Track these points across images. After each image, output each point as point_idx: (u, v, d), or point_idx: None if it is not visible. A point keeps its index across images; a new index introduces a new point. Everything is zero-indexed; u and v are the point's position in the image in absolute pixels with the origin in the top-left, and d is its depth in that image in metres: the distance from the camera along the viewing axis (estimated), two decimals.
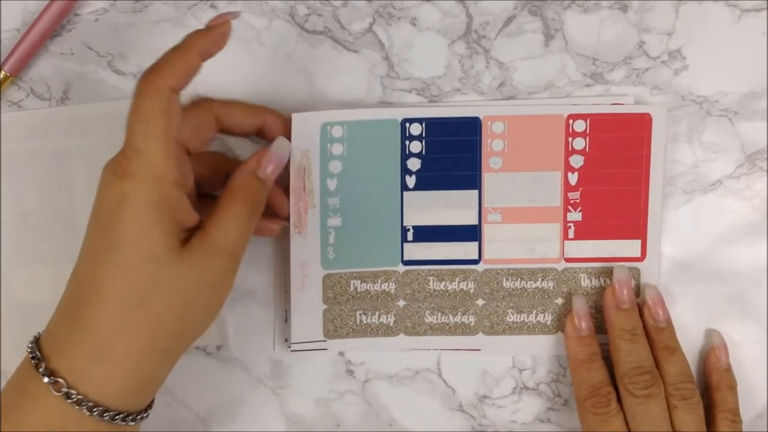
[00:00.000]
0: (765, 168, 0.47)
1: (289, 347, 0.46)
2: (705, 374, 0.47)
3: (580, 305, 0.46)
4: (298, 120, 0.44)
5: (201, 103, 0.41)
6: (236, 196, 0.38)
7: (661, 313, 0.45)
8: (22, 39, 0.45)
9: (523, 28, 0.46)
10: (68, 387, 0.35)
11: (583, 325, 0.45)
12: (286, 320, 0.47)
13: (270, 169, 0.40)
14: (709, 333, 0.47)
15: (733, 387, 0.45)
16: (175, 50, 0.37)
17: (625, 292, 0.45)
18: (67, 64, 0.46)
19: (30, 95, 0.46)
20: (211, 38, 0.38)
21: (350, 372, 0.48)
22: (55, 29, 0.45)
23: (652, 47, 0.46)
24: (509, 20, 0.46)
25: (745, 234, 0.47)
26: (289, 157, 0.43)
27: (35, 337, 0.38)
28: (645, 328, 0.45)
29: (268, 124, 0.43)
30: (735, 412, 0.45)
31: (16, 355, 0.46)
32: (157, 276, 0.35)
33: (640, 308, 0.45)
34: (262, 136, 0.44)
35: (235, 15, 0.38)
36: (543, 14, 0.46)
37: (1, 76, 0.45)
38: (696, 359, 0.48)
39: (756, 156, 0.47)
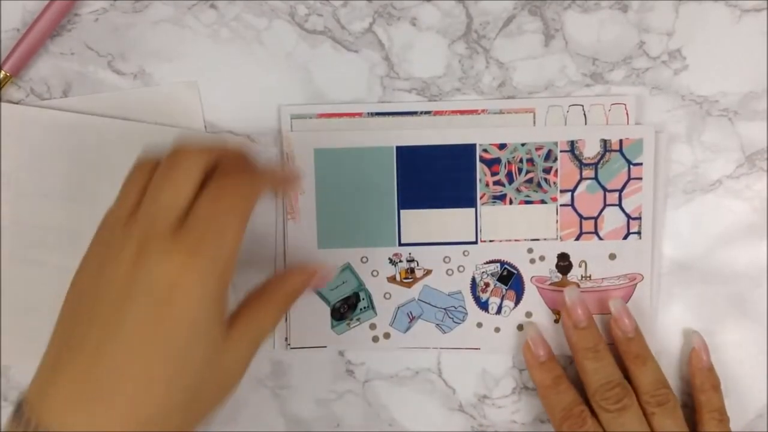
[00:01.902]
0: (765, 168, 0.47)
1: (289, 344, 0.47)
2: (689, 375, 0.47)
3: (534, 333, 0.46)
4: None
5: (252, 193, 0.37)
6: (284, 299, 0.40)
7: (627, 323, 0.45)
8: (22, 39, 0.45)
9: (523, 28, 0.46)
10: None
11: (541, 351, 0.46)
12: (286, 319, 0.47)
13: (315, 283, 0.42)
14: (689, 334, 0.47)
15: (717, 386, 0.46)
16: (283, 174, 0.42)
17: (580, 311, 0.45)
18: (67, 64, 0.46)
19: (30, 95, 0.46)
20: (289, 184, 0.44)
21: (350, 372, 0.48)
22: (55, 29, 0.45)
23: (652, 47, 0.46)
24: (509, 20, 0.46)
25: (745, 234, 0.47)
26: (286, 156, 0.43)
27: (20, 406, 0.34)
28: (614, 339, 0.45)
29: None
30: (722, 411, 0.45)
31: (17, 354, 0.46)
32: (210, 367, 0.35)
33: (607, 321, 0.46)
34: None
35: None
36: (543, 14, 0.46)
37: (1, 75, 0.45)
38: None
39: (756, 156, 0.47)
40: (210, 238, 0.34)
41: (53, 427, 0.33)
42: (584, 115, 0.46)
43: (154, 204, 0.36)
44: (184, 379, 0.34)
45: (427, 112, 0.46)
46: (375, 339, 0.47)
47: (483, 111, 0.46)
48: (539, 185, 0.46)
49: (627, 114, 0.46)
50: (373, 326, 0.47)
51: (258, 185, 0.38)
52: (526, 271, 0.47)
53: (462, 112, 0.46)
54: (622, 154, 0.46)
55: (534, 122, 0.46)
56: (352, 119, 0.46)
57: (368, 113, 0.46)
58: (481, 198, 0.46)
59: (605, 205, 0.46)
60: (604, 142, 0.46)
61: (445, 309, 0.47)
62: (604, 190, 0.46)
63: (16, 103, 0.46)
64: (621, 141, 0.46)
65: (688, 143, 0.47)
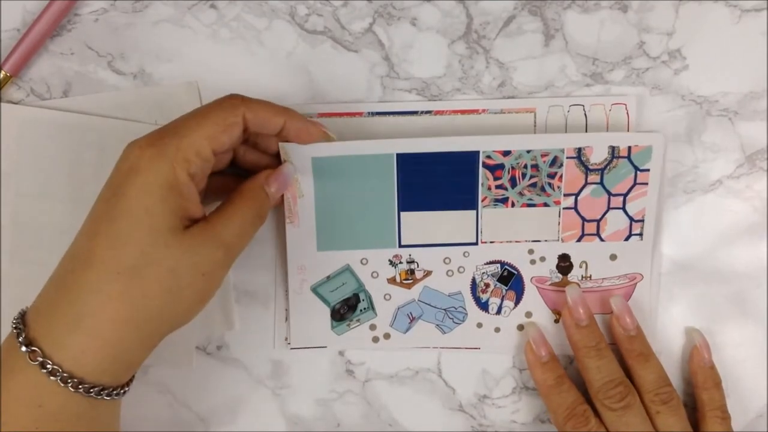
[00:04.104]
0: (765, 168, 0.47)
1: (289, 344, 0.47)
2: (690, 374, 0.47)
3: (535, 333, 0.46)
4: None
5: (230, 104, 0.39)
6: (244, 200, 0.40)
7: (629, 321, 0.45)
8: (22, 39, 0.45)
9: (523, 28, 0.46)
10: (44, 356, 0.34)
11: (543, 351, 0.46)
12: (286, 319, 0.47)
13: (274, 188, 0.41)
14: (690, 332, 0.47)
15: (718, 384, 0.46)
16: (274, 105, 0.40)
17: (581, 309, 0.45)
18: (67, 64, 0.46)
19: (30, 95, 0.46)
20: (302, 125, 0.41)
21: (350, 372, 0.48)
22: (55, 29, 0.45)
23: (652, 47, 0.46)
24: (509, 20, 0.46)
25: (745, 234, 0.47)
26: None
27: (23, 308, 0.37)
28: (615, 338, 0.46)
29: (287, 126, 0.41)
30: (723, 409, 0.45)
31: None
32: (152, 250, 0.35)
33: (609, 319, 0.46)
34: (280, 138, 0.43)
35: (330, 138, 0.43)
36: (543, 14, 0.46)
37: (1, 75, 0.45)
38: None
39: (756, 156, 0.47)
40: (172, 131, 0.37)
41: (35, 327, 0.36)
42: (585, 115, 0.46)
43: None
44: (125, 262, 0.35)
45: (428, 112, 0.46)
46: (375, 339, 0.47)
47: (483, 111, 0.46)
48: (543, 189, 0.46)
49: (627, 114, 0.46)
50: (373, 327, 0.47)
51: (251, 103, 0.39)
52: (527, 272, 0.47)
53: (462, 112, 0.46)
54: (630, 161, 0.45)
55: (535, 122, 0.46)
56: (352, 119, 0.46)
57: (368, 113, 0.46)
58: (482, 201, 0.46)
59: (609, 209, 0.46)
60: (612, 149, 0.45)
61: (445, 309, 0.47)
62: (609, 194, 0.46)
63: (16, 103, 0.46)
64: (629, 148, 0.45)
65: (688, 143, 0.47)
